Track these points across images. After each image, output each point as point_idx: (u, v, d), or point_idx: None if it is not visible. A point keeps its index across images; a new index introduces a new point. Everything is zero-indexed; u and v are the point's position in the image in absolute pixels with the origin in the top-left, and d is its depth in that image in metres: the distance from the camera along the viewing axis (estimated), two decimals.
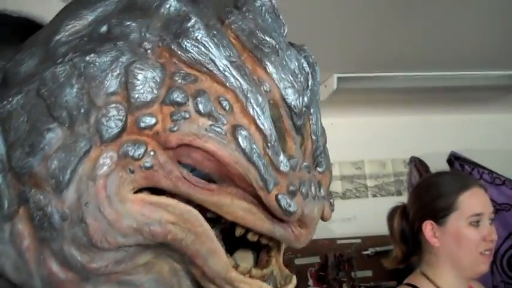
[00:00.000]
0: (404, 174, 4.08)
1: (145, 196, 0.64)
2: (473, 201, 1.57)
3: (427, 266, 1.62)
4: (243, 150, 0.60)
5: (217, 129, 0.60)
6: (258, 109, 0.62)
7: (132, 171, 0.62)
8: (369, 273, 4.04)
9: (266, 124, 0.62)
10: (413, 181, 3.00)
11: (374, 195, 4.35)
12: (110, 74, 0.63)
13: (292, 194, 0.62)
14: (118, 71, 0.63)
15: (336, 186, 4.11)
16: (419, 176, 2.90)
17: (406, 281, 1.63)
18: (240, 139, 0.60)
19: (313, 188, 0.66)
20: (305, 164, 0.66)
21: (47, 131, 0.64)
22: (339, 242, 3.93)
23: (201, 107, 0.61)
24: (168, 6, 0.66)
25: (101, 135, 0.62)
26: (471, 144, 3.87)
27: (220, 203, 0.63)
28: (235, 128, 0.61)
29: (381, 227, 1.73)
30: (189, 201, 0.65)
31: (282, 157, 0.62)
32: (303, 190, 0.64)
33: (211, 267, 0.64)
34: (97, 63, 0.64)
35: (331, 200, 0.72)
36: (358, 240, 3.92)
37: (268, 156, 0.62)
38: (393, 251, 1.70)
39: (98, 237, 0.63)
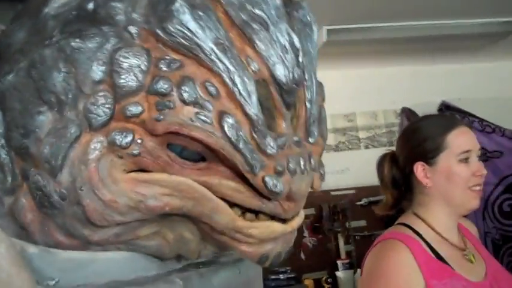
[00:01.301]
0: (395, 125, 4.11)
1: (136, 175, 0.64)
2: (461, 139, 1.58)
3: (419, 206, 1.63)
4: (229, 138, 0.60)
5: (203, 117, 0.60)
6: (244, 93, 0.61)
7: (121, 157, 0.63)
8: (362, 223, 4.11)
9: (253, 108, 0.61)
10: None
11: (366, 147, 4.39)
12: (95, 62, 0.63)
13: (279, 174, 0.63)
14: (104, 59, 0.63)
15: (329, 139, 4.14)
16: None
17: (398, 222, 1.64)
18: (226, 127, 0.60)
19: (302, 163, 0.65)
20: (295, 139, 0.66)
21: (37, 114, 0.65)
22: (332, 193, 3.99)
23: (185, 95, 0.60)
24: None
25: (90, 122, 0.63)
26: (462, 93, 3.89)
27: (209, 183, 0.64)
28: (221, 115, 0.60)
29: (373, 178, 1.74)
30: None
31: (268, 139, 0.62)
32: (291, 167, 0.64)
33: (218, 222, 0.66)
34: (83, 50, 0.63)
35: (322, 171, 0.72)
36: (352, 191, 3.98)
37: (255, 141, 0.62)
38: (384, 198, 1.71)
39: (96, 217, 0.64)
